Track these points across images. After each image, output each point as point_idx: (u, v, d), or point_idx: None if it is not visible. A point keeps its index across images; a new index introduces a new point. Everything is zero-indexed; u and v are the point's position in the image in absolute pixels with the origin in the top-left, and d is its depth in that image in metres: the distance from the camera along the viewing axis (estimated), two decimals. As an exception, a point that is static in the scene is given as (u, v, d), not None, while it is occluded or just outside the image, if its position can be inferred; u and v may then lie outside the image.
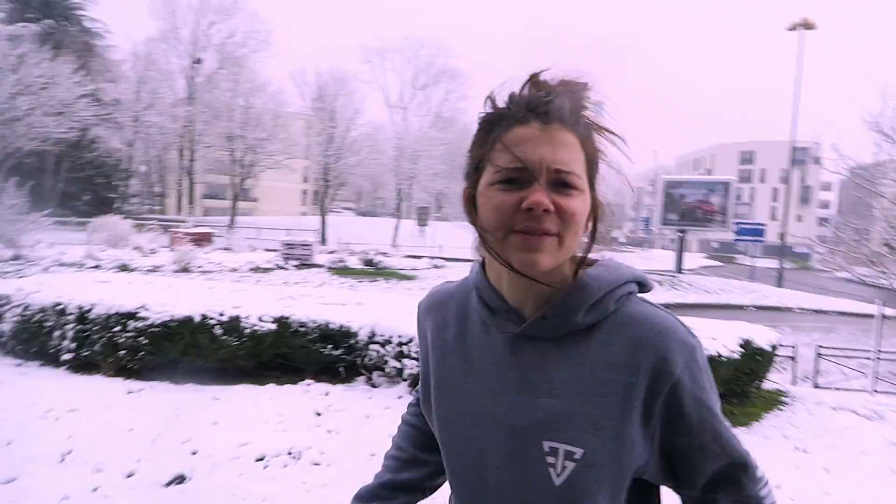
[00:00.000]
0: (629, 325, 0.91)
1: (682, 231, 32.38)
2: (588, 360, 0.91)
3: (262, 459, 4.16)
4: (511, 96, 0.91)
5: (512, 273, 0.90)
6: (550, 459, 0.89)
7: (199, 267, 20.35)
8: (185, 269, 19.82)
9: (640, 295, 0.98)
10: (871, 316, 20.05)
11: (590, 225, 0.94)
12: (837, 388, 10.56)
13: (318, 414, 5.02)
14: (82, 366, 5.97)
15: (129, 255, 20.77)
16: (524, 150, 0.87)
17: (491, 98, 0.93)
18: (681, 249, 32.10)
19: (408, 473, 1.19)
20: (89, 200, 41.27)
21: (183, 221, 32.40)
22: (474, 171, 0.94)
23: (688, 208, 32.13)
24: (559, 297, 0.92)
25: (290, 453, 4.26)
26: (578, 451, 0.88)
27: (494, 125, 0.91)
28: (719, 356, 5.57)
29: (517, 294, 0.95)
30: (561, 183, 0.87)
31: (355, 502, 1.18)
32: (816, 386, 10.66)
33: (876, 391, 9.77)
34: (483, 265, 1.01)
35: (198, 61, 42.14)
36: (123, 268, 18.78)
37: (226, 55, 41.87)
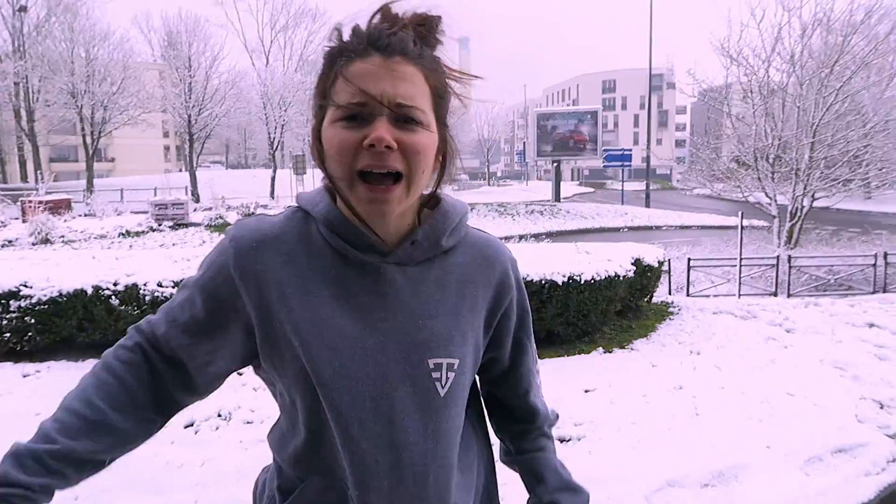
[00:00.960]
0: (476, 247, 1.03)
1: (556, 161, 33.63)
2: (452, 279, 0.98)
3: (191, 426, 4.03)
4: (354, 29, 0.88)
5: None
6: (436, 374, 0.94)
7: (62, 237, 18.75)
8: (46, 241, 18.21)
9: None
10: (729, 227, 22.03)
11: (439, 161, 0.95)
12: (707, 296, 11.64)
13: (240, 373, 4.90)
14: (-41, 355, 5.43)
15: (-25, 230, 18.76)
16: (365, 85, 0.84)
17: (338, 30, 0.89)
18: (557, 179, 33.45)
19: (88, 442, 0.91)
20: (-86, 173, 36.58)
21: (33, 189, 29.44)
22: (319, 110, 0.91)
23: (560, 139, 33.35)
24: (427, 223, 0.96)
25: (219, 415, 4.17)
26: (455, 362, 0.96)
27: (336, 59, 0.88)
28: (617, 275, 5.96)
29: (377, 228, 0.93)
30: (405, 118, 0.86)
31: (12, 467, 0.84)
32: (689, 294, 11.68)
33: (742, 294, 10.87)
34: (333, 197, 0.96)
35: (22, 9, 37.51)
36: (-28, 245, 16.99)
37: (55, 1, 37.54)
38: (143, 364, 0.99)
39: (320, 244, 0.95)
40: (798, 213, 16.15)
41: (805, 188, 15.78)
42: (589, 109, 35.45)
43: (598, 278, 5.70)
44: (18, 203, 23.97)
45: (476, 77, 0.99)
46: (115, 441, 0.96)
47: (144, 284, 5.53)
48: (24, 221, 20.80)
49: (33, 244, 17.85)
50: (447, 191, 1.02)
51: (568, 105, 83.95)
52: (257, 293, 0.92)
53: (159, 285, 5.58)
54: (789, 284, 12.52)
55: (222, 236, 0.98)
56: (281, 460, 1.04)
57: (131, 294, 5.47)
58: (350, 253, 0.93)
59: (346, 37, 0.88)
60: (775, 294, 12.35)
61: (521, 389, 1.15)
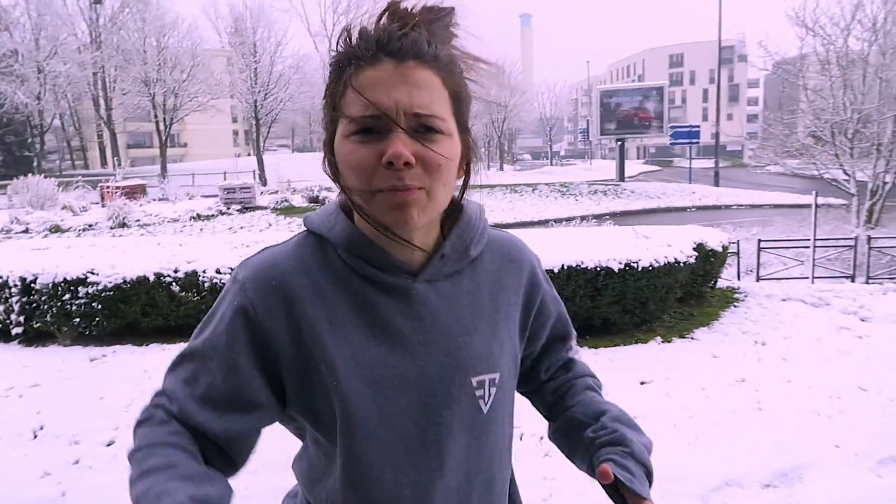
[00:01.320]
0: (501, 250, 0.99)
1: (620, 139, 32.80)
2: (484, 289, 0.94)
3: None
4: (361, 32, 0.80)
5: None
6: (479, 392, 0.90)
7: (137, 221, 19.59)
8: (123, 225, 19.06)
9: None
10: (803, 206, 21.01)
11: (463, 169, 0.88)
12: (779, 279, 11.14)
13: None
14: (36, 338, 5.73)
15: (58, 215, 19.80)
16: (377, 95, 0.77)
17: (347, 33, 0.82)
18: (622, 158, 32.63)
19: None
20: (3, 162, 38.86)
21: (111, 175, 30.82)
22: (330, 122, 0.84)
23: (624, 116, 32.46)
24: (454, 234, 0.91)
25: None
26: (497, 376, 0.92)
27: (345, 67, 0.80)
28: (676, 262, 5.73)
29: (401, 248, 0.87)
30: (423, 128, 0.79)
31: None
32: (759, 278, 11.20)
33: (816, 278, 10.34)
34: (351, 218, 0.89)
35: (98, 1, 39.11)
36: (56, 229, 17.95)
37: (127, -8, 38.96)
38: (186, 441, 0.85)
39: (342, 270, 0.87)
40: (879, 191, 15.24)
41: (887, 164, 14.85)
42: (654, 85, 34.32)
43: (656, 265, 5.50)
44: (98, 188, 25.15)
45: (491, 65, 0.90)
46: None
47: (203, 271, 5.69)
48: (103, 206, 21.83)
49: (111, 228, 18.73)
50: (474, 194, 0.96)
51: (633, 81, 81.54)
52: (289, 337, 0.84)
53: (217, 272, 5.72)
54: (868, 267, 11.83)
55: (231, 281, 0.87)
56: (311, 498, 0.95)
57: (191, 281, 5.63)
58: (377, 276, 0.87)
59: (353, 40, 0.81)
60: (853, 278, 11.70)
61: (557, 360, 1.11)
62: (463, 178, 0.90)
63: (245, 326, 0.83)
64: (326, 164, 0.87)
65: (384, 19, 0.81)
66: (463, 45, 0.86)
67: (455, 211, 0.93)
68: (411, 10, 0.81)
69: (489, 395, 0.91)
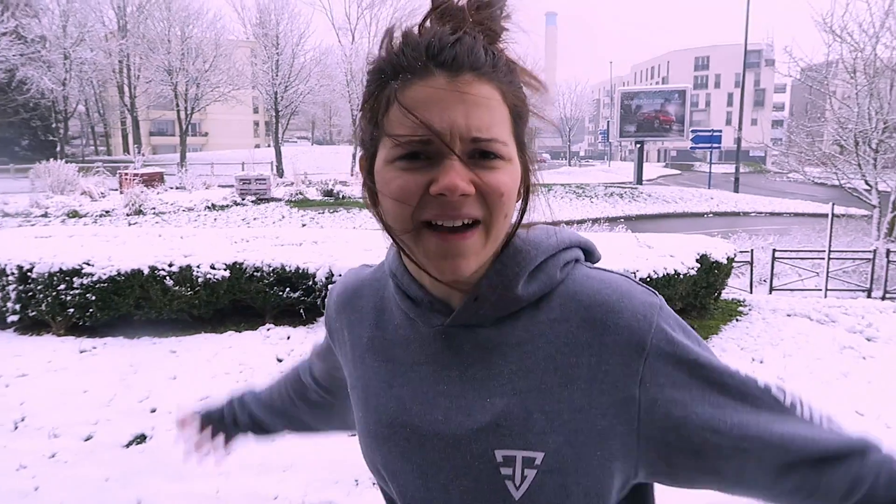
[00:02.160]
0: (581, 296, 0.73)
1: (640, 142, 32.49)
2: (539, 344, 0.73)
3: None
4: (407, 36, 0.68)
5: None
6: (506, 471, 0.71)
7: (153, 208, 19.76)
8: (139, 212, 19.24)
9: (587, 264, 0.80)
10: (823, 215, 20.64)
11: (521, 195, 0.74)
12: (792, 290, 10.92)
13: (280, 360, 4.95)
14: (31, 326, 5.76)
15: (77, 200, 20.02)
16: (429, 116, 0.65)
17: (389, 35, 0.70)
18: (640, 161, 32.35)
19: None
20: (28, 145, 39.44)
21: (131, 161, 31.12)
22: (370, 141, 0.72)
23: (645, 119, 32.17)
24: (493, 270, 0.73)
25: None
26: (539, 456, 0.71)
27: (388, 79, 0.68)
28: (677, 273, 5.61)
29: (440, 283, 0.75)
30: (481, 153, 0.67)
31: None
32: (772, 289, 10.99)
33: (829, 290, 10.12)
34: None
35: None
36: (74, 214, 18.15)
37: (155, -20, 39.29)
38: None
39: (391, 302, 0.83)
40: (902, 203, 14.90)
41: (911, 176, 14.52)
42: (676, 88, 33.97)
43: (654, 276, 5.38)
44: (117, 175, 25.41)
45: (543, 86, 0.76)
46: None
47: (198, 266, 5.67)
48: (121, 193, 22.03)
49: (127, 215, 18.90)
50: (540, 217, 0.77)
51: (657, 82, 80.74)
52: (338, 349, 0.93)
53: (212, 267, 5.71)
54: (886, 281, 11.55)
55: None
56: None
57: (185, 275, 5.61)
58: (411, 311, 0.78)
59: (397, 46, 0.69)
60: (869, 292, 11.44)
61: (781, 457, 0.70)
62: (521, 206, 0.75)
63: (326, 333, 0.98)
64: (366, 191, 0.75)
65: (432, 19, 0.69)
66: (513, 47, 0.73)
67: (506, 242, 0.76)
68: (459, 2, 0.70)
69: (522, 477, 0.71)
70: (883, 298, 10.46)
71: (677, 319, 0.74)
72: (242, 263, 5.80)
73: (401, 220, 0.68)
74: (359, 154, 0.76)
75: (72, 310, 5.54)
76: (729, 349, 5.50)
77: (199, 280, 5.62)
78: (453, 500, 0.75)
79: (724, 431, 0.69)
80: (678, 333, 0.71)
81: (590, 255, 0.82)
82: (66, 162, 24.52)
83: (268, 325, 5.71)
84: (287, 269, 5.79)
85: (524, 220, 0.75)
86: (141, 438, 3.83)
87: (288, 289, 5.80)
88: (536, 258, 0.74)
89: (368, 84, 0.71)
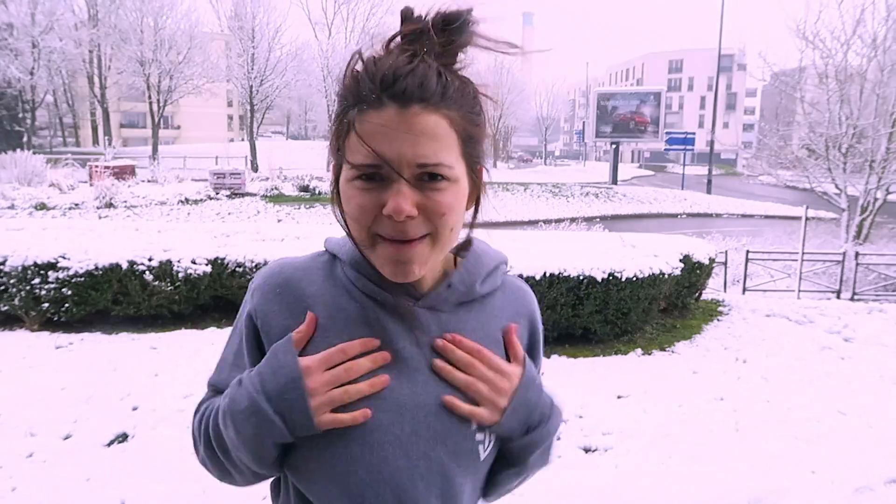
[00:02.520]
0: (513, 296, 0.96)
1: (615, 143, 32.76)
2: (488, 331, 0.89)
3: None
4: (367, 66, 0.76)
5: None
6: (479, 437, 0.84)
7: (125, 202, 19.37)
8: (109, 205, 18.84)
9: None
10: (793, 218, 21.02)
11: (472, 206, 0.86)
12: (765, 290, 11.10)
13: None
14: (3, 321, 5.58)
15: (45, 192, 19.55)
16: (379, 145, 0.73)
17: (355, 60, 0.77)
18: (615, 161, 32.62)
19: None
20: (-7, 135, 38.39)
21: (101, 154, 30.45)
22: (337, 156, 0.81)
23: (620, 120, 32.45)
24: (462, 266, 0.88)
25: (237, 402, 4.13)
26: (498, 421, 0.86)
27: (349, 106, 0.77)
28: (662, 273, 5.65)
29: None
30: (428, 176, 0.75)
31: None
32: (745, 290, 11.15)
33: (802, 291, 10.30)
34: None
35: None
36: (42, 206, 17.71)
37: (128, -30, 38.40)
38: None
39: (348, 286, 0.87)
40: (870, 207, 15.24)
41: (879, 180, 14.84)
42: (652, 90, 34.34)
43: (640, 276, 5.41)
44: (87, 167, 24.85)
45: (492, 100, 0.85)
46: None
47: (178, 261, 5.55)
48: (91, 185, 21.54)
49: (97, 208, 18.50)
50: (483, 235, 0.94)
51: (632, 84, 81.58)
52: (274, 335, 0.86)
53: (193, 262, 5.59)
54: (855, 283, 11.80)
55: (249, 288, 0.93)
56: None
57: (165, 270, 5.49)
58: (379, 294, 0.84)
59: (360, 73, 0.77)
60: (839, 293, 11.68)
61: None
62: (473, 212, 0.87)
63: (250, 330, 0.89)
64: (335, 207, 0.84)
65: (395, 43, 0.77)
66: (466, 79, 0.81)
67: (466, 244, 0.91)
68: (425, 18, 0.77)
69: (489, 441, 0.86)
70: (851, 299, 10.69)
71: None
72: (224, 259, 5.69)
73: (358, 232, 0.79)
74: (331, 163, 0.84)
75: (46, 304, 5.38)
76: (713, 349, 5.55)
77: (180, 275, 5.50)
78: (433, 467, 0.82)
79: None
80: None
81: (505, 264, 0.99)
82: (34, 153, 23.90)
83: (250, 322, 5.62)
84: (270, 265, 5.69)
85: (477, 221, 0.88)
86: (123, 437, 3.73)
87: (271, 285, 5.70)
88: (489, 265, 0.92)
89: (337, 105, 0.80)
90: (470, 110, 0.80)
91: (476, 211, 0.87)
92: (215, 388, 0.96)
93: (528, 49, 0.86)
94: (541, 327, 1.01)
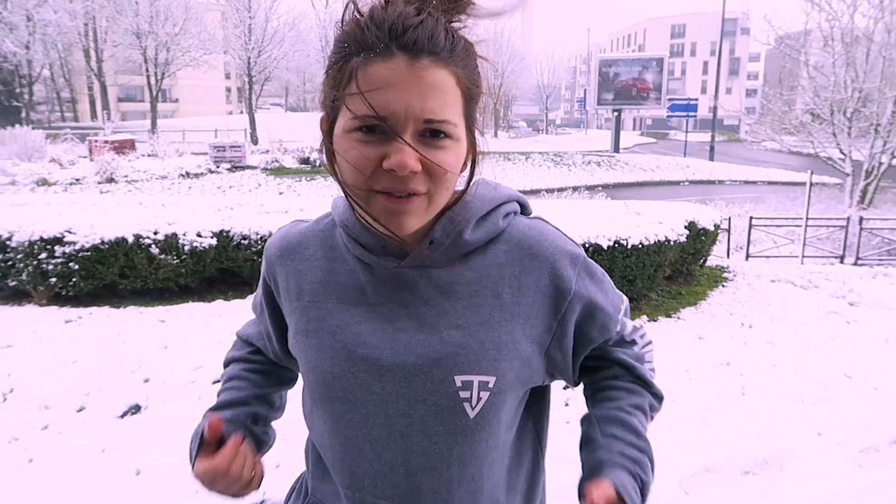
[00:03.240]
0: (521, 244, 0.87)
1: (617, 110, 32.48)
2: (486, 284, 0.85)
3: (219, 381, 4.03)
4: (372, 13, 0.73)
5: None
6: (464, 394, 0.82)
7: (125, 176, 19.33)
8: (110, 180, 18.81)
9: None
10: (797, 184, 20.94)
11: (468, 165, 0.83)
12: (768, 257, 11.10)
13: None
14: (11, 296, 5.61)
15: (46, 168, 19.49)
16: (386, 98, 0.71)
17: (354, 6, 0.74)
18: (617, 129, 32.38)
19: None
20: (-9, 111, 38.10)
21: (100, 128, 30.30)
22: (331, 105, 0.78)
23: (622, 87, 32.13)
24: (445, 218, 0.83)
25: (248, 372, 4.16)
26: (492, 380, 0.83)
27: (351, 54, 0.73)
28: (667, 240, 5.64)
29: None
30: (431, 133, 0.74)
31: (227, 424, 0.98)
32: (749, 256, 11.16)
33: (805, 256, 10.31)
34: None
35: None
36: (43, 182, 17.68)
37: (121, -61, 37.71)
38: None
39: (341, 249, 0.89)
40: (874, 171, 15.15)
41: (884, 145, 14.73)
42: (654, 56, 33.93)
43: (646, 243, 5.40)
44: (86, 142, 24.72)
45: (490, 62, 0.83)
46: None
47: (184, 234, 5.55)
48: (91, 160, 21.46)
49: (98, 183, 18.46)
50: (489, 175, 0.89)
51: (633, 50, 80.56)
52: (283, 298, 0.94)
53: (198, 235, 5.59)
54: (858, 247, 11.81)
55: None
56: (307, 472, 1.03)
57: (171, 243, 5.49)
58: (365, 257, 0.85)
59: (363, 19, 0.73)
60: (842, 258, 11.69)
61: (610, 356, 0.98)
62: (469, 173, 0.84)
63: (265, 290, 0.99)
64: (324, 152, 0.82)
65: None
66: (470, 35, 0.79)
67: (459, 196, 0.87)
68: None
69: (478, 398, 0.83)
70: (855, 264, 10.70)
71: (594, 270, 0.92)
72: (229, 231, 5.69)
73: (355, 185, 0.76)
74: (320, 115, 0.83)
75: (54, 279, 5.40)
76: (718, 314, 5.57)
77: (186, 248, 5.51)
78: (414, 425, 0.83)
79: (595, 356, 0.96)
80: (594, 282, 0.90)
81: (524, 208, 0.94)
82: (33, 128, 23.77)
83: (257, 294, 5.64)
84: (275, 237, 5.69)
85: (473, 182, 0.84)
86: (136, 409, 3.77)
87: (276, 257, 5.71)
88: (482, 209, 0.85)
89: (333, 52, 0.77)
90: (473, 70, 0.79)
91: (472, 170, 0.84)
92: (239, 338, 1.15)
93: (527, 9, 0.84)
94: (572, 286, 0.87)
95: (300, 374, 0.97)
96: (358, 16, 0.74)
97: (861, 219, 12.26)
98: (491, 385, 0.83)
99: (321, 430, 0.91)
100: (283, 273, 0.93)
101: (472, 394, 0.82)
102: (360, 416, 0.84)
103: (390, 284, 0.85)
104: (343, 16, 0.75)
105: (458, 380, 0.82)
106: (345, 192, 0.79)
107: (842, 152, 15.62)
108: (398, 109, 0.71)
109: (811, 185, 10.76)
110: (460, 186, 0.84)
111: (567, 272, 0.86)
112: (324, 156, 0.82)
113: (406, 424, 0.83)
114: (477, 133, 0.83)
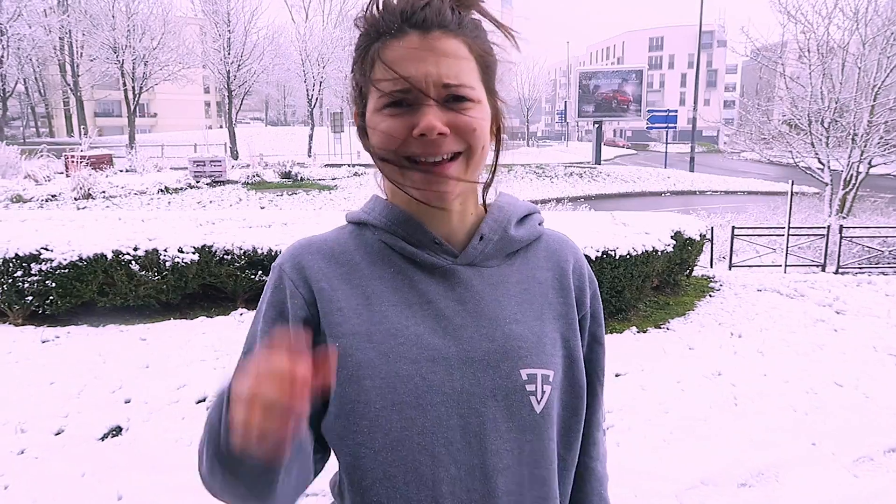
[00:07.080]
0: (555, 248, 0.94)
1: (598, 122, 32.74)
2: (534, 284, 0.90)
3: (203, 401, 3.93)
4: (385, 4, 0.80)
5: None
6: (530, 388, 0.84)
7: (103, 192, 19.02)
8: (88, 196, 18.49)
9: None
10: (776, 193, 21.17)
11: (493, 134, 0.87)
12: (751, 266, 11.16)
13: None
14: (-15, 316, 5.44)
15: (20, 184, 19.10)
16: (406, 69, 0.77)
17: (370, 5, 0.81)
18: (598, 141, 32.59)
19: None
20: (-36, 127, 37.47)
21: (77, 144, 29.85)
22: (360, 96, 0.85)
23: (602, 99, 32.41)
24: (490, 215, 0.89)
25: (233, 391, 4.05)
26: (551, 374, 0.86)
27: (372, 41, 0.80)
28: (654, 250, 5.63)
29: (441, 225, 0.87)
30: (453, 98, 0.78)
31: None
32: (732, 265, 11.21)
33: (788, 265, 10.38)
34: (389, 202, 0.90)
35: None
36: (17, 199, 17.33)
37: (97, -47, 37.39)
38: None
39: (382, 250, 0.88)
40: (853, 180, 15.35)
41: (862, 154, 14.94)
42: (633, 68, 34.30)
43: (634, 253, 5.38)
44: (62, 158, 24.35)
45: (514, 32, 0.87)
46: None
47: (165, 250, 5.43)
48: (67, 176, 21.11)
49: (75, 199, 18.14)
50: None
51: (612, 63, 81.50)
52: (329, 310, 0.84)
53: (180, 251, 5.48)
54: (839, 256, 11.91)
55: (273, 265, 0.89)
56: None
57: (151, 259, 5.37)
58: (416, 255, 0.86)
59: (377, 12, 0.80)
60: (824, 266, 11.78)
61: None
62: (495, 144, 0.89)
63: (292, 303, 0.85)
64: (359, 132, 0.86)
65: None
66: (481, 10, 0.84)
67: (489, 185, 0.93)
68: None
69: (542, 392, 0.84)
70: (836, 272, 10.78)
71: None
72: (212, 246, 5.58)
73: (388, 156, 0.79)
74: (352, 108, 0.88)
75: (30, 298, 5.25)
76: (707, 325, 5.56)
77: (167, 264, 5.39)
78: (486, 423, 0.82)
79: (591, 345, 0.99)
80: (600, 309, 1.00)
81: (538, 214, 1.00)
82: (7, 144, 23.38)
83: (240, 310, 5.52)
84: (259, 251, 5.60)
85: (500, 160, 0.90)
86: (117, 431, 3.65)
87: (260, 272, 5.62)
88: (518, 211, 0.92)
89: (357, 47, 0.83)
90: (484, 41, 0.83)
91: (499, 140, 0.89)
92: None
93: (509, 30, 0.87)
94: (594, 283, 0.98)
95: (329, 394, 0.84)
96: (374, 10, 0.80)
97: (841, 227, 12.39)
98: (551, 379, 0.85)
99: (381, 445, 0.81)
100: (327, 281, 0.85)
101: (536, 387, 0.84)
102: (432, 419, 0.81)
103: (445, 282, 0.86)
104: (364, 12, 0.81)
105: (524, 373, 0.83)
106: (380, 166, 0.82)
107: (820, 162, 15.82)
108: (418, 78, 0.76)
109: (792, 194, 10.84)
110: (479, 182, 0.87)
111: (592, 276, 0.98)
112: (360, 136, 0.86)
113: (479, 423, 0.82)
114: (500, 103, 0.87)
